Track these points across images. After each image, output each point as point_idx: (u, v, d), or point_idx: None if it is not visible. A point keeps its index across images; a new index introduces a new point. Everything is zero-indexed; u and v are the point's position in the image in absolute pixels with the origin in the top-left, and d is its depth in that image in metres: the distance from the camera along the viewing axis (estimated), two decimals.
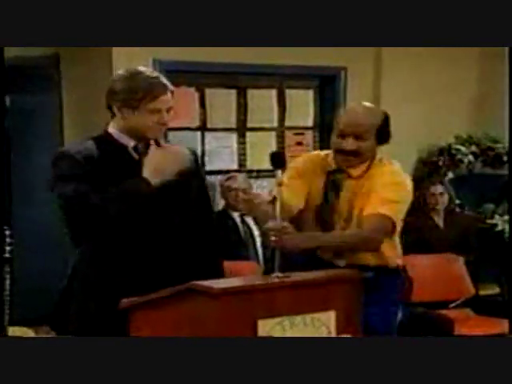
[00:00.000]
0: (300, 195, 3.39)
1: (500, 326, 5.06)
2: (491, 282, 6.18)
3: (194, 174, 3.28)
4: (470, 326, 5.34)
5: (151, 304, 2.87)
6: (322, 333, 2.88)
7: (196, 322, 2.75)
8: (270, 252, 5.07)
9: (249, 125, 6.31)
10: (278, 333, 2.78)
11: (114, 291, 3.01)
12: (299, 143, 6.49)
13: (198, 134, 6.12)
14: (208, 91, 6.12)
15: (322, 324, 2.89)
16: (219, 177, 6.00)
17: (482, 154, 6.72)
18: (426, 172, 6.58)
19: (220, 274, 3.26)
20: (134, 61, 4.49)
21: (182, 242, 3.18)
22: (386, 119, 3.38)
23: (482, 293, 5.94)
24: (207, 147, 6.15)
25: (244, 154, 6.32)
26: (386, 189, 3.27)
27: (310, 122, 6.54)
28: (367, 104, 3.48)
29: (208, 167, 6.08)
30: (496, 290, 6.14)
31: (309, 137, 6.53)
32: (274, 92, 6.37)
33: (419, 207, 6.01)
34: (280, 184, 3.06)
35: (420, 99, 6.52)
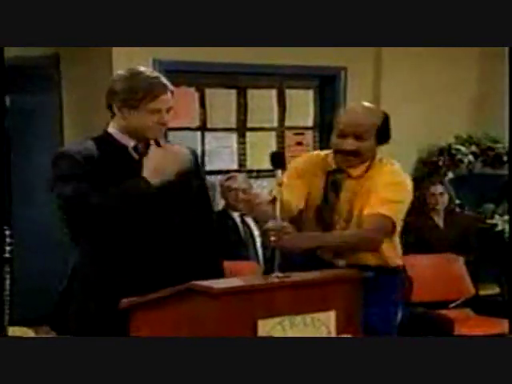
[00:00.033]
0: (300, 195, 3.38)
1: (500, 326, 5.06)
2: (491, 281, 6.18)
3: (194, 173, 3.27)
4: (470, 326, 5.33)
5: (151, 304, 2.87)
6: (322, 333, 2.88)
7: (196, 322, 2.75)
8: (269, 252, 5.08)
9: (249, 125, 6.31)
10: (278, 333, 2.78)
11: (113, 291, 3.01)
12: (299, 143, 6.49)
13: (198, 134, 6.12)
14: (208, 91, 6.12)
15: (322, 324, 2.89)
16: (219, 177, 6.00)
17: (482, 154, 6.72)
18: (425, 172, 6.58)
19: (220, 274, 3.25)
20: (134, 61, 4.49)
21: (182, 242, 3.18)
22: (386, 119, 3.38)
23: (481, 293, 5.94)
24: (207, 147, 6.15)
25: (244, 154, 6.32)
26: (386, 189, 3.26)
27: (310, 122, 6.54)
28: (367, 104, 3.48)
29: (208, 167, 6.08)
30: (496, 290, 6.14)
31: (309, 137, 6.53)
32: (274, 92, 6.37)
33: (419, 207, 6.02)
34: (280, 184, 3.06)
35: (420, 99, 6.52)
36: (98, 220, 3.03)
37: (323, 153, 3.52)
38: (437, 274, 5.65)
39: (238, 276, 4.10)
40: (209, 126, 6.15)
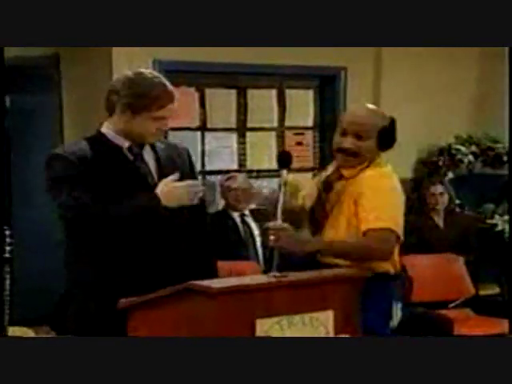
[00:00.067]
0: (308, 188, 3.44)
1: (500, 326, 5.06)
2: (491, 281, 6.18)
3: (188, 173, 3.27)
4: (470, 325, 5.34)
5: (149, 304, 2.86)
6: (321, 332, 2.88)
7: (194, 321, 2.74)
8: (268, 252, 5.08)
9: (249, 125, 6.31)
10: (276, 332, 2.78)
11: (112, 291, 3.01)
12: (299, 143, 6.49)
13: (198, 133, 6.12)
14: (208, 91, 6.12)
15: (321, 324, 2.88)
16: (219, 177, 6.00)
17: (482, 154, 6.72)
18: (425, 172, 6.58)
19: (214, 274, 3.25)
20: (134, 61, 4.50)
21: (178, 242, 3.17)
22: (391, 123, 3.34)
23: (481, 293, 5.94)
24: (207, 147, 6.16)
25: (244, 154, 6.32)
26: (378, 198, 3.22)
27: (310, 122, 6.54)
28: (372, 106, 3.48)
29: (208, 167, 6.09)
30: (496, 290, 6.14)
31: (309, 137, 6.54)
32: (274, 92, 6.37)
33: (419, 207, 6.02)
34: (285, 183, 3.07)
35: (420, 99, 6.52)
36: (100, 230, 3.04)
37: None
38: (437, 274, 5.66)
39: (238, 276, 4.11)
40: (209, 125, 6.16)
